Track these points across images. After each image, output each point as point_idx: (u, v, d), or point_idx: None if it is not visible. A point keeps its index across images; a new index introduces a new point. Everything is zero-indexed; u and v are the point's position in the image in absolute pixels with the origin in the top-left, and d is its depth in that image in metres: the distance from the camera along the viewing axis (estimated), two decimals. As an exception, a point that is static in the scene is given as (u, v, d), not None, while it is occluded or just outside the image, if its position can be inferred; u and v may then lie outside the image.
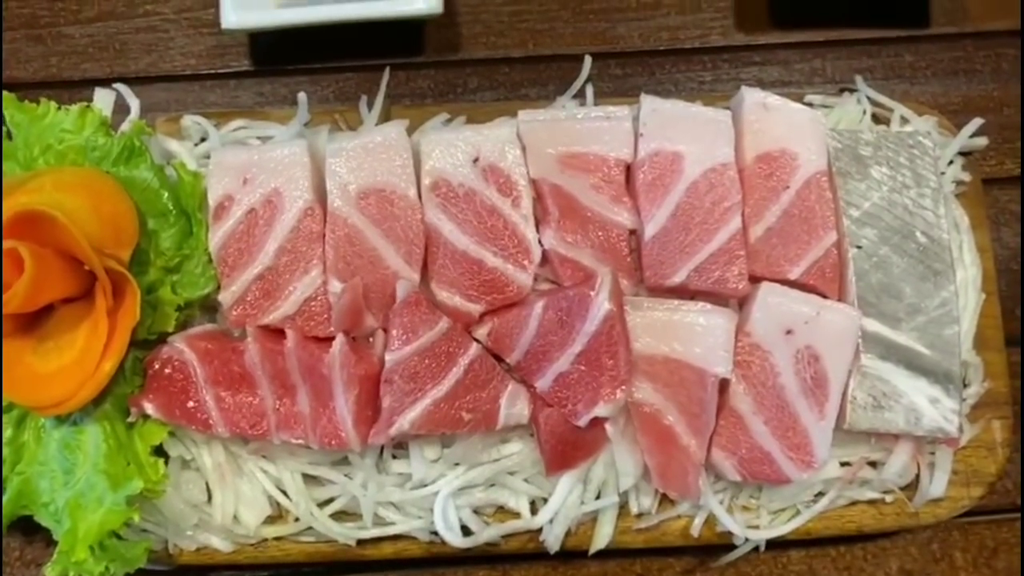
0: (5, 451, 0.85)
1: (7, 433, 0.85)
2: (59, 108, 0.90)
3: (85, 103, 0.91)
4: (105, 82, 1.05)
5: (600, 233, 0.92)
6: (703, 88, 1.11)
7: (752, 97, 0.95)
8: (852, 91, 1.06)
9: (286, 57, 1.08)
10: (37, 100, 0.92)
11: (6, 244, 0.78)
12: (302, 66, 1.08)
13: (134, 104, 0.98)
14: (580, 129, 0.94)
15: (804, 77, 1.12)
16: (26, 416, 0.86)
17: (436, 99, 1.09)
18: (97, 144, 0.87)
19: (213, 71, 1.08)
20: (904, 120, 1.02)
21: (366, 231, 0.89)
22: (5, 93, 0.91)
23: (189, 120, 0.97)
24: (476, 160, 0.92)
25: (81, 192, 0.83)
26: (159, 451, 0.87)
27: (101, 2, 1.08)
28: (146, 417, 0.86)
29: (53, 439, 0.84)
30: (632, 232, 0.93)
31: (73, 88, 1.05)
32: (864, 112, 1.02)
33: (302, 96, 0.95)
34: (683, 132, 0.93)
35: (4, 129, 0.91)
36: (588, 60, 1.04)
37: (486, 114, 0.99)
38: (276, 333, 0.88)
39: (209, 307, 0.91)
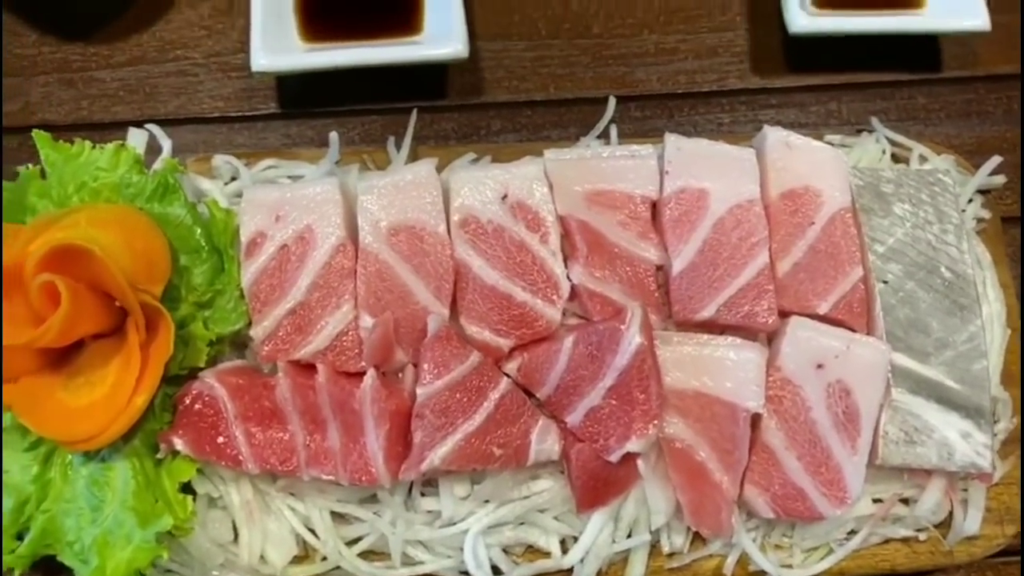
0: (31, 488, 0.83)
1: (33, 470, 0.84)
2: (93, 147, 0.91)
3: (119, 142, 0.92)
4: (135, 124, 1.06)
5: (627, 268, 0.93)
6: (721, 130, 1.13)
7: (775, 136, 0.97)
8: (868, 132, 1.08)
9: (312, 100, 1.10)
10: (71, 141, 0.93)
11: (43, 277, 0.78)
12: (328, 108, 1.10)
13: (166, 144, 0.99)
14: (606, 167, 0.96)
15: (820, 119, 1.14)
16: (53, 453, 0.85)
17: (460, 140, 1.11)
18: (131, 182, 0.88)
19: (241, 113, 1.09)
20: (923, 159, 1.03)
21: (397, 267, 0.90)
22: (39, 132, 0.92)
23: (220, 159, 0.98)
24: (504, 197, 0.93)
25: (115, 228, 0.84)
26: (186, 488, 0.86)
27: (132, 47, 1.10)
28: (175, 453, 0.85)
29: (81, 476, 0.83)
30: (659, 268, 0.94)
31: (104, 130, 1.07)
32: (883, 151, 1.04)
33: (333, 135, 0.97)
34: (708, 169, 0.95)
35: (38, 168, 0.92)
36: (612, 101, 1.06)
37: (510, 155, 1.00)
38: (307, 368, 0.88)
39: (238, 343, 0.91)
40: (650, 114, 1.12)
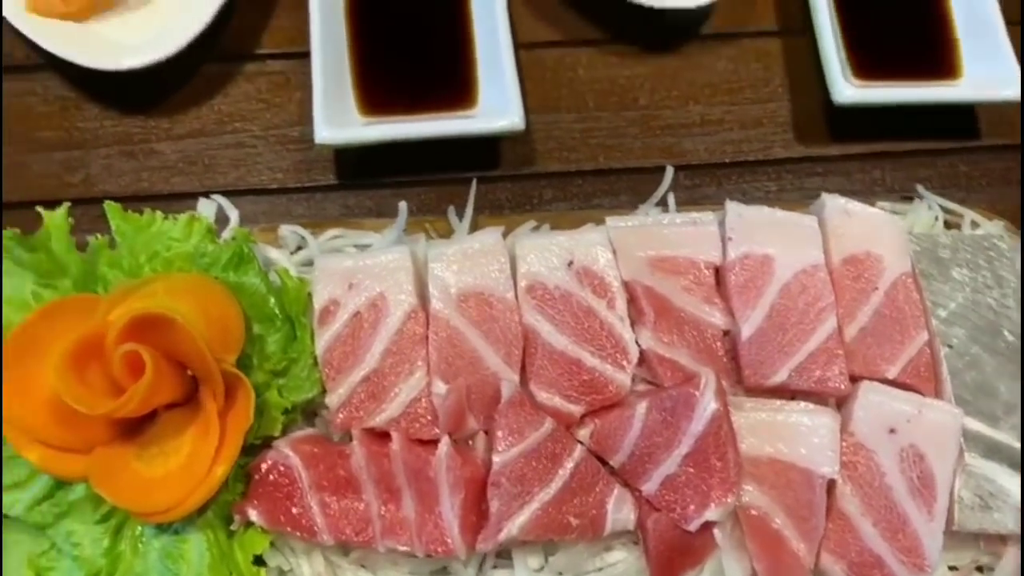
0: (102, 562, 0.82)
1: (104, 543, 0.82)
2: (165, 218, 0.92)
3: (192, 212, 0.93)
4: (195, 195, 1.08)
5: (694, 333, 0.93)
6: (769, 198, 1.15)
7: (833, 203, 0.99)
8: (915, 199, 1.10)
9: (368, 171, 1.12)
10: (140, 211, 0.94)
11: (126, 347, 0.78)
12: (384, 179, 1.12)
13: (233, 215, 1.00)
14: (668, 234, 0.97)
15: (865, 186, 1.17)
16: (123, 525, 0.83)
17: (514, 209, 1.12)
18: (206, 251, 0.89)
19: (300, 185, 1.10)
20: (975, 224, 1.05)
21: (467, 332, 0.90)
22: (111, 203, 0.93)
23: (285, 229, 0.99)
24: (570, 263, 0.94)
25: (192, 297, 0.84)
26: (258, 561, 0.84)
27: (192, 120, 1.12)
28: (248, 525, 0.83)
29: (153, 549, 0.82)
30: (725, 333, 0.95)
31: (163, 201, 1.07)
32: (936, 217, 1.06)
33: (402, 205, 0.98)
34: (771, 236, 0.96)
35: (106, 238, 0.93)
36: (670, 170, 1.08)
37: (566, 222, 1.02)
38: (380, 436, 0.87)
39: (309, 411, 0.91)
40: (699, 182, 1.15)
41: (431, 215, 1.08)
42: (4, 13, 1.05)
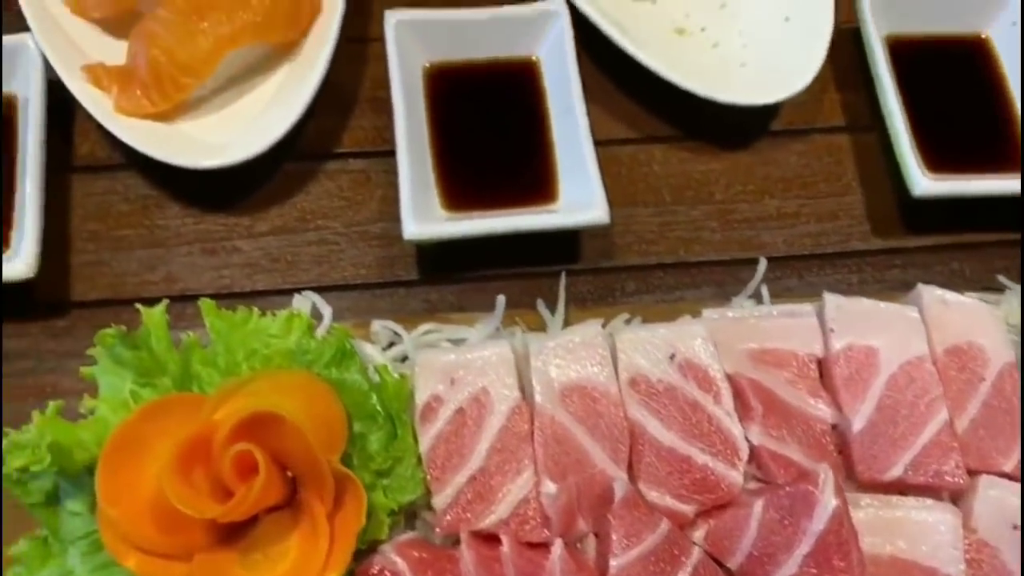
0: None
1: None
2: (263, 314, 0.91)
3: (291, 309, 0.92)
4: (278, 292, 1.07)
5: (803, 428, 0.91)
6: (852, 290, 1.13)
7: (931, 294, 0.98)
8: (993, 289, 1.09)
9: (449, 266, 1.11)
10: (234, 309, 0.93)
11: (238, 447, 0.75)
12: (466, 274, 1.11)
13: (327, 311, 0.99)
14: (767, 326, 0.96)
15: (945, 278, 1.16)
16: (224, 638, 0.79)
17: (596, 302, 1.11)
18: (309, 348, 0.87)
19: (383, 280, 1.10)
20: (1064, 313, 1.04)
21: (573, 429, 0.88)
22: (205, 301, 0.92)
23: (378, 325, 0.98)
24: (672, 356, 0.92)
25: (296, 395, 0.82)
26: (363, 676, 0.79)
27: (273, 218, 1.12)
28: (356, 635, 0.79)
29: (258, 662, 0.77)
30: (832, 427, 0.92)
31: (246, 299, 1.06)
32: (1027, 307, 1.05)
33: (500, 299, 0.97)
34: (873, 327, 0.95)
35: (196, 336, 0.91)
36: (763, 262, 1.08)
37: (656, 315, 1.01)
38: (488, 539, 0.84)
39: (408, 513, 0.87)
40: (780, 275, 1.14)
41: (516, 308, 1.07)
42: (93, 114, 1.06)
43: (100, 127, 1.13)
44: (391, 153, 1.15)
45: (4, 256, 1.01)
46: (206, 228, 1.11)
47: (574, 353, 0.91)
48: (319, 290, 1.07)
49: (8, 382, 1.01)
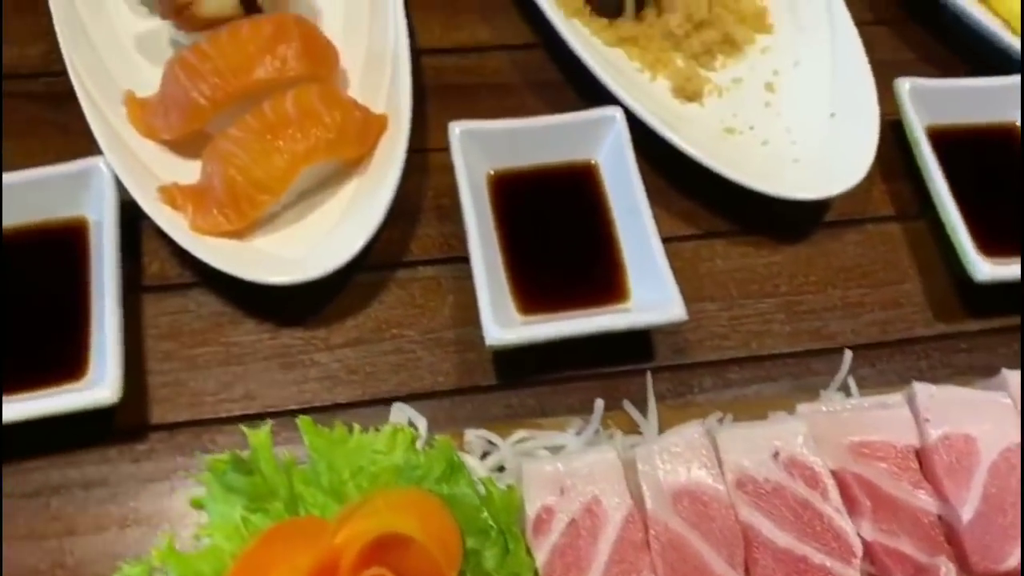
0: None
1: None
2: (364, 430, 0.89)
3: (395, 424, 0.91)
4: (359, 405, 1.06)
5: (911, 520, 0.91)
6: (924, 376, 1.14)
7: (1015, 378, 0.99)
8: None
9: (526, 368, 1.11)
10: (330, 426, 0.91)
11: (372, 571, 0.73)
12: (542, 377, 1.11)
13: (421, 423, 0.98)
14: (863, 419, 0.96)
15: (1011, 360, 1.17)
16: None
17: (674, 398, 1.11)
18: (417, 463, 0.86)
19: (461, 386, 1.09)
20: None
21: (687, 535, 0.87)
22: (304, 418, 0.90)
23: (471, 434, 0.97)
24: (776, 455, 0.92)
25: (413, 513, 0.80)
26: None
27: (349, 329, 1.11)
28: None
29: None
30: (938, 517, 0.92)
31: (326, 413, 1.05)
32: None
33: (599, 403, 0.97)
34: (967, 415, 0.96)
35: (292, 456, 0.89)
36: (848, 354, 1.09)
37: (742, 410, 1.01)
38: (617, 657, 0.81)
39: (525, 632, 0.85)
40: (853, 364, 1.15)
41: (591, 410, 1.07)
42: (170, 234, 1.07)
43: (168, 246, 1.14)
44: (459, 259, 1.16)
45: (85, 381, 1.00)
46: (282, 343, 1.10)
47: (679, 456, 0.91)
48: (399, 399, 1.07)
49: (88, 511, 0.99)
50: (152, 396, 1.06)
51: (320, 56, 1.17)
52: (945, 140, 1.28)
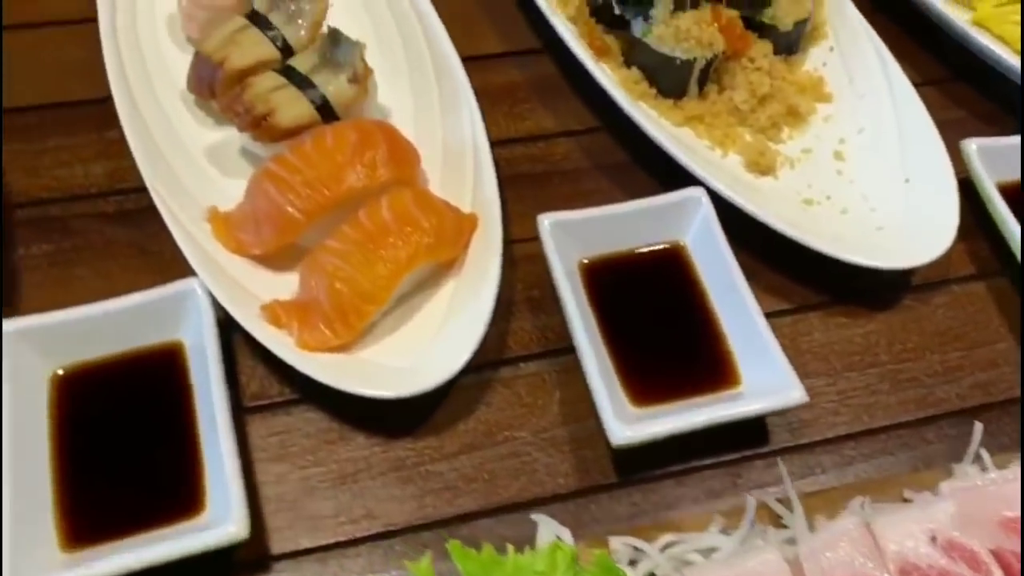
0: None
1: None
2: (518, 550, 0.86)
3: (554, 542, 0.88)
4: (480, 515, 1.03)
5: (1077, 597, 0.89)
6: (1033, 438, 1.15)
7: None
8: None
9: (642, 463, 1.09)
10: (478, 547, 0.88)
11: None
12: (659, 471, 1.08)
13: (565, 533, 0.95)
14: (1006, 492, 0.95)
15: (1119, 407, 1.18)
16: None
17: (798, 479, 1.07)
18: (586, 582, 0.83)
19: (582, 487, 1.06)
20: None
21: (865, 634, 0.84)
22: (455, 543, 0.87)
23: (617, 542, 0.94)
24: (933, 539, 0.90)
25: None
26: None
27: (460, 435, 1.08)
28: None
29: None
30: (1102, 591, 0.91)
31: (448, 526, 1.02)
32: None
33: (751, 500, 0.95)
34: (1113, 480, 0.95)
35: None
36: (979, 426, 1.08)
37: (875, 490, 1.00)
38: None
39: None
40: (967, 429, 1.14)
41: (721, 498, 1.05)
42: (276, 352, 1.04)
43: (264, 364, 1.11)
44: (559, 352, 1.15)
45: (205, 517, 0.96)
46: (395, 455, 1.07)
47: (841, 549, 0.89)
48: (523, 507, 1.04)
49: (219, 654, 0.94)
50: (269, 524, 1.01)
51: (405, 158, 1.16)
52: (1013, 196, 1.30)
